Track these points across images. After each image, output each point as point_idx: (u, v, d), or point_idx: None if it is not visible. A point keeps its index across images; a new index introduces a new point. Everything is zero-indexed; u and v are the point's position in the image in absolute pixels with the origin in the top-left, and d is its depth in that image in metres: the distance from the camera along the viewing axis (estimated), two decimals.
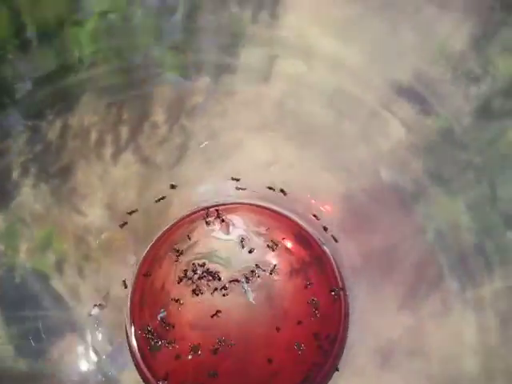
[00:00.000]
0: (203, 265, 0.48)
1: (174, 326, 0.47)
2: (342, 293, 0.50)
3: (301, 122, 0.47)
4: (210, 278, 0.48)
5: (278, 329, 0.47)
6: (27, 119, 0.43)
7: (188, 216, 0.51)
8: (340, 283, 0.51)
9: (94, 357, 0.44)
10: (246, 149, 0.47)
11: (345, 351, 0.47)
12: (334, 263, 0.51)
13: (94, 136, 0.45)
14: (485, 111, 0.42)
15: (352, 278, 0.50)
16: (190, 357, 0.46)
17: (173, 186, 0.48)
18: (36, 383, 0.42)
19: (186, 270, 0.48)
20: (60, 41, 0.39)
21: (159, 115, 0.46)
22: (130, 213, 0.47)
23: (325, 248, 0.51)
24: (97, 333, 0.45)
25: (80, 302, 0.45)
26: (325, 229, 0.50)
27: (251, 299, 0.48)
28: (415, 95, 0.45)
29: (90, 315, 0.46)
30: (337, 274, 0.50)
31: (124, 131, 0.45)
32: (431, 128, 0.45)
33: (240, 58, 0.45)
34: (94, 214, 0.45)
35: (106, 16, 0.40)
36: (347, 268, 0.50)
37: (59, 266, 0.44)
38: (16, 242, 0.43)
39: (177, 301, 0.47)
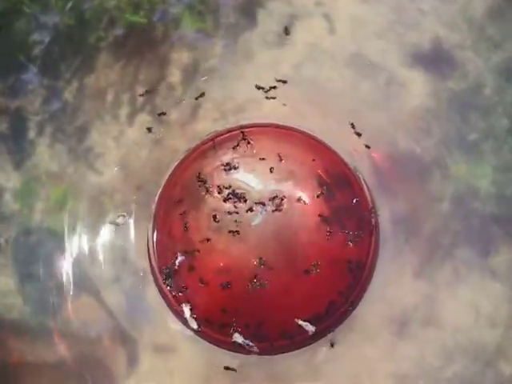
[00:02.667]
0: (229, 187, 0.48)
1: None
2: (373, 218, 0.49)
3: (318, 86, 0.47)
4: (236, 199, 0.47)
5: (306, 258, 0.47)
6: (43, 78, 0.43)
7: (210, 140, 0.50)
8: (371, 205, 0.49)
9: (109, 314, 0.44)
10: (262, 107, 0.47)
11: (359, 317, 0.47)
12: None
13: (110, 96, 0.44)
14: (506, 74, 0.42)
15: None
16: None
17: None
18: (48, 340, 0.42)
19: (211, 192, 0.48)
20: None
21: (175, 77, 0.45)
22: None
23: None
24: (112, 291, 0.45)
25: (94, 263, 0.45)
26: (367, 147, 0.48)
27: (255, 222, 0.47)
28: (435, 60, 0.45)
29: (116, 223, 0.46)
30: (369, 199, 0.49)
31: (140, 92, 0.45)
32: (451, 93, 0.44)
33: (258, 20, 0.45)
34: (108, 173, 0.45)
35: None
36: None
37: (74, 226, 0.44)
38: (31, 201, 0.43)
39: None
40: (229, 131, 0.49)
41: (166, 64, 0.45)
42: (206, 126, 0.47)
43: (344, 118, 0.46)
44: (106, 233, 0.45)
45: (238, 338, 0.46)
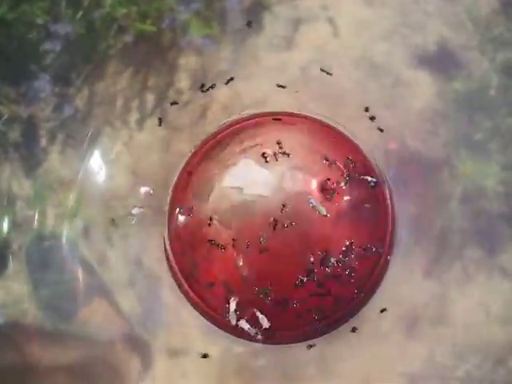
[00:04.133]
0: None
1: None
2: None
3: (325, 88, 0.47)
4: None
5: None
6: (55, 86, 0.43)
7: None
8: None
9: (122, 318, 0.44)
10: (270, 105, 0.48)
11: (370, 317, 0.47)
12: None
13: (119, 102, 0.45)
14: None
15: None
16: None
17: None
18: (62, 344, 0.43)
19: None
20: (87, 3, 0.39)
21: (184, 82, 0.46)
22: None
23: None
24: (126, 296, 0.45)
25: (108, 267, 0.45)
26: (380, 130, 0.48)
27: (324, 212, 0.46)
28: (441, 61, 0.45)
29: (132, 215, 0.46)
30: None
31: (149, 98, 0.45)
32: (457, 93, 0.45)
33: (264, 23, 0.46)
34: (119, 178, 0.46)
35: None
36: None
37: (87, 231, 0.45)
38: (44, 207, 0.44)
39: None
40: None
41: (175, 70, 0.46)
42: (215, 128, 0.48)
43: (353, 111, 0.46)
44: (118, 237, 0.46)
45: (244, 324, 0.47)
